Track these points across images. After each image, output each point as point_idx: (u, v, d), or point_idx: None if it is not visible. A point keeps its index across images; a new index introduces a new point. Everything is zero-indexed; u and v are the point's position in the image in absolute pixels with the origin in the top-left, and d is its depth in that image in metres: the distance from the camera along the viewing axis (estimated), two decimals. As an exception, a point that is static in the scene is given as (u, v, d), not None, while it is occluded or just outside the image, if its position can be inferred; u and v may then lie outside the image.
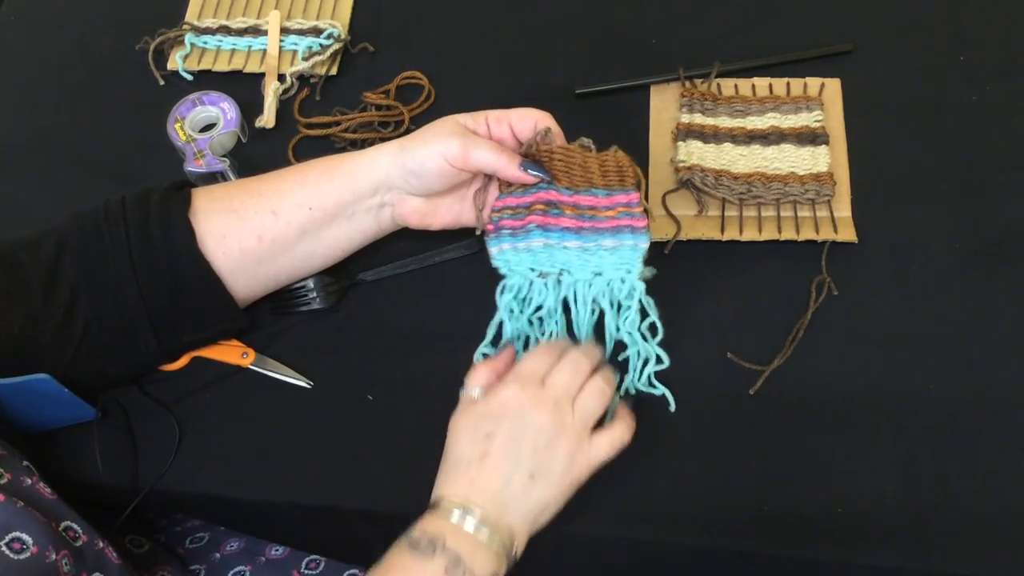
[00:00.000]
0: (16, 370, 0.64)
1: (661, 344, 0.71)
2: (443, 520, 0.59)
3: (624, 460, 0.68)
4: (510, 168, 0.68)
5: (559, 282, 0.72)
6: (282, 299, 0.75)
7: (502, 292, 0.72)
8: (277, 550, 0.81)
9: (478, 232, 0.73)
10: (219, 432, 0.72)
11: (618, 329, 0.71)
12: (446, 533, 0.59)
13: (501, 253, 0.72)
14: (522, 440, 0.61)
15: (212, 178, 0.82)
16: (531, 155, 0.71)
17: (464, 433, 0.64)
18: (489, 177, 0.73)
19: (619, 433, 0.65)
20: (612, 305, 0.71)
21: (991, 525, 0.64)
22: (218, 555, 0.81)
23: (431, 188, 0.69)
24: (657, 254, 0.73)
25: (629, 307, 0.70)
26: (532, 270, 0.72)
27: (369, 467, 0.70)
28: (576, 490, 0.63)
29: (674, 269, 0.74)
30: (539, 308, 0.72)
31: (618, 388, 0.70)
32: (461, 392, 0.66)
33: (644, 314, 0.71)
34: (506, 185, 0.72)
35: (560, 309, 0.72)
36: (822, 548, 0.64)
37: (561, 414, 0.63)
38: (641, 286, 0.71)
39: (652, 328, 0.71)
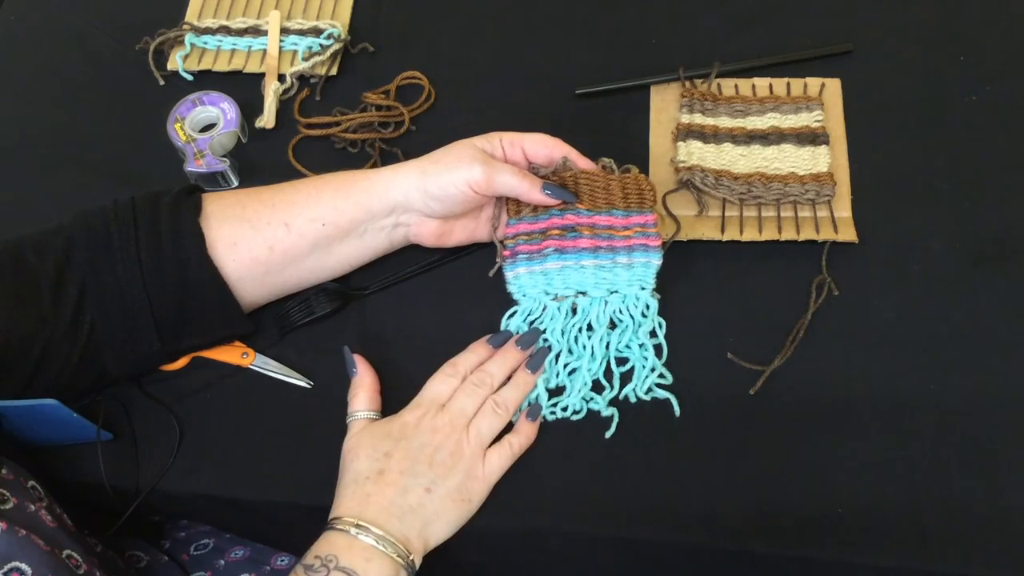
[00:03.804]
0: (26, 372, 0.65)
1: (661, 346, 0.71)
2: (336, 538, 0.61)
3: (624, 460, 0.68)
4: (532, 192, 0.70)
5: (573, 310, 0.72)
6: (288, 315, 0.75)
7: (511, 316, 0.73)
8: (283, 559, 0.81)
9: (497, 260, 0.74)
10: (219, 432, 0.72)
11: (628, 346, 0.71)
12: (339, 550, 0.60)
13: (516, 278, 0.73)
14: (419, 456, 0.65)
15: (212, 178, 0.82)
16: (552, 177, 0.72)
17: (363, 451, 0.66)
18: (506, 202, 0.74)
19: (508, 447, 0.67)
20: (632, 320, 0.71)
21: (991, 525, 0.64)
22: (223, 562, 0.81)
23: (451, 212, 0.70)
24: (660, 247, 0.73)
25: (641, 324, 0.71)
26: (546, 294, 0.73)
27: (369, 467, 0.70)
28: (474, 509, 0.66)
29: (674, 269, 0.74)
30: (543, 330, 0.73)
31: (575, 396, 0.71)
32: (348, 420, 0.69)
33: (651, 333, 0.72)
34: (515, 210, 0.73)
35: (566, 332, 0.72)
36: (822, 548, 0.64)
37: (457, 435, 0.66)
38: (655, 302, 0.71)
39: (658, 348, 0.71)
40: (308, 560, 0.60)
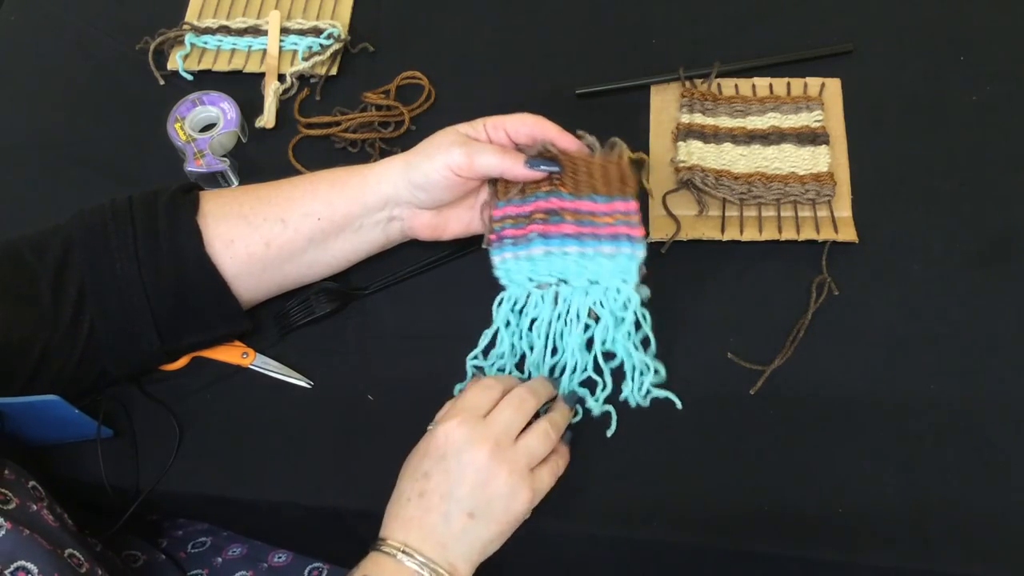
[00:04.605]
0: (26, 373, 0.65)
1: (660, 347, 0.71)
2: (384, 561, 0.60)
3: (624, 460, 0.68)
4: (516, 167, 0.68)
5: (556, 297, 0.72)
6: (287, 315, 0.75)
7: (500, 304, 0.73)
8: (280, 556, 0.81)
9: (484, 245, 0.73)
10: (219, 432, 0.72)
11: (614, 341, 0.70)
12: (387, 574, 0.59)
13: (503, 263, 0.72)
14: (460, 479, 0.61)
15: (212, 178, 0.82)
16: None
17: (407, 470, 0.63)
18: (494, 186, 0.73)
19: (556, 466, 0.65)
20: (611, 315, 0.70)
21: (991, 525, 0.64)
22: (220, 559, 0.81)
23: (439, 200, 0.70)
24: (656, 254, 0.73)
25: (623, 319, 0.70)
26: (530, 280, 0.72)
27: (369, 467, 0.70)
28: (520, 523, 0.63)
29: (674, 269, 0.74)
30: (533, 321, 0.72)
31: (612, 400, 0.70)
32: (429, 426, 0.66)
33: (637, 326, 0.70)
34: (503, 192, 0.72)
35: (552, 323, 0.72)
36: (822, 548, 0.64)
37: (501, 452, 0.61)
38: (636, 297, 0.70)
39: (645, 340, 0.70)
40: None
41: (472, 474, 0.61)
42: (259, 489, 0.70)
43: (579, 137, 0.71)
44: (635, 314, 0.70)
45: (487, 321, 0.73)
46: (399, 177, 0.69)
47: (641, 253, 0.70)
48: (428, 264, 0.77)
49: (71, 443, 0.72)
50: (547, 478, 0.64)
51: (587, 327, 0.71)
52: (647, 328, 0.70)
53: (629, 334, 0.70)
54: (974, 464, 0.66)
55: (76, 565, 0.60)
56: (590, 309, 0.71)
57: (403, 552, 0.59)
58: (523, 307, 0.72)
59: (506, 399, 0.64)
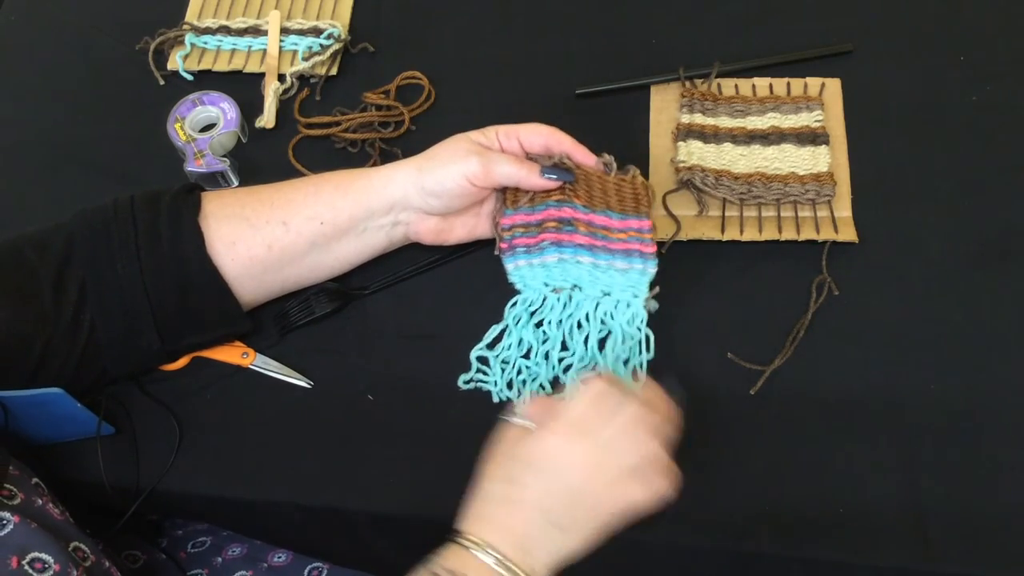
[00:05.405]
0: (27, 371, 0.65)
1: (660, 346, 0.71)
2: (467, 557, 0.58)
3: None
4: (531, 177, 0.69)
5: (570, 299, 0.73)
6: (287, 315, 0.75)
7: (514, 305, 0.73)
8: (280, 556, 0.81)
9: (496, 253, 0.73)
10: (219, 432, 0.72)
11: (616, 356, 0.71)
12: (469, 570, 0.57)
13: (517, 269, 0.73)
14: (556, 496, 0.58)
15: (212, 178, 0.82)
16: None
17: (498, 471, 0.60)
18: (503, 193, 0.73)
19: (665, 489, 0.60)
20: (619, 329, 0.71)
21: (991, 525, 0.64)
22: (220, 559, 0.81)
23: (450, 207, 0.70)
24: (656, 254, 0.73)
25: (626, 333, 0.71)
26: (546, 285, 0.73)
27: (369, 467, 0.70)
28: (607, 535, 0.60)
29: (674, 269, 0.74)
30: (542, 320, 0.73)
31: None
32: (507, 416, 0.62)
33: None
34: (512, 201, 0.72)
35: (563, 323, 0.72)
36: (822, 548, 0.64)
37: (603, 473, 0.58)
38: (643, 315, 0.71)
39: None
40: (437, 570, 0.57)
41: (571, 494, 0.58)
42: (259, 489, 0.70)
43: (598, 156, 0.72)
44: (639, 331, 0.71)
45: (487, 321, 0.73)
46: (410, 182, 0.69)
47: (652, 269, 0.71)
48: (428, 264, 0.77)
49: (72, 443, 0.72)
50: (648, 500, 0.60)
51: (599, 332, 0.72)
52: (649, 353, 0.71)
53: (634, 350, 0.71)
54: (974, 464, 0.66)
55: (81, 558, 0.60)
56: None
57: (488, 552, 0.57)
58: (537, 309, 0.73)
59: (621, 422, 0.59)
